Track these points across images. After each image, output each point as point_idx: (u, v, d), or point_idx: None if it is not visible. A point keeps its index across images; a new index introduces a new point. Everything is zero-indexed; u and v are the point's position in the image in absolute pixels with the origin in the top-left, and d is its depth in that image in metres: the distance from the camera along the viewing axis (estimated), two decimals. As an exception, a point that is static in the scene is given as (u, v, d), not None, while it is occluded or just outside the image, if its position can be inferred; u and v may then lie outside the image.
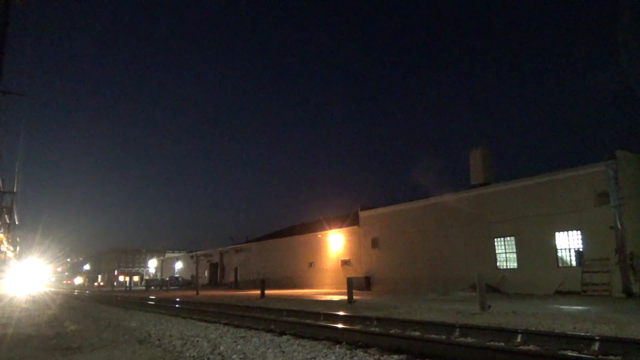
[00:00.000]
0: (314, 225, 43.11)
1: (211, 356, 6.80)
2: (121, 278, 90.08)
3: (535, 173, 23.89)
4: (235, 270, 52.26)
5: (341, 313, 12.56)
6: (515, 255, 23.95)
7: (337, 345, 7.33)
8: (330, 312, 12.60)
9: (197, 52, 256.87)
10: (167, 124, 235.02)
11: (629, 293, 18.60)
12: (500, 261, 24.61)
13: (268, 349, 7.14)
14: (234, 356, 6.70)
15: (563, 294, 20.61)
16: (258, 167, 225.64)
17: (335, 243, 37.17)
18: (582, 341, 6.85)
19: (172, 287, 50.24)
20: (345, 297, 18.67)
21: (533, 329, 8.53)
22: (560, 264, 21.89)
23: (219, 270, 57.33)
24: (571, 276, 20.92)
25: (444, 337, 8.07)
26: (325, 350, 6.88)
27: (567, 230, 21.75)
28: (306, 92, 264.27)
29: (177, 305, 19.15)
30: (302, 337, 8.26)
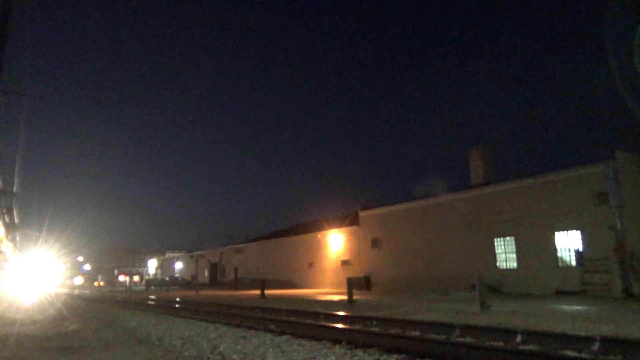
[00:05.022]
0: (314, 225, 43.09)
1: (211, 356, 6.80)
2: (121, 278, 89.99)
3: (535, 173, 23.91)
4: (235, 270, 52.24)
5: (341, 313, 12.56)
6: (515, 255, 23.95)
7: (337, 345, 7.33)
8: (330, 312, 12.60)
9: (197, 51, 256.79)
10: (167, 124, 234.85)
11: (629, 293, 18.59)
12: (500, 261, 24.61)
13: (268, 349, 7.14)
14: (234, 356, 6.71)
15: (563, 293, 20.60)
16: (258, 167, 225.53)
17: (335, 243, 37.16)
18: (582, 341, 6.85)
19: (172, 287, 50.25)
20: (345, 297, 18.66)
21: (533, 329, 8.52)
22: (560, 264, 21.88)
23: (218, 270, 57.33)
24: (571, 276, 20.91)
25: (443, 337, 8.07)
26: (325, 350, 6.88)
27: (567, 230, 21.74)
28: (306, 92, 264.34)
29: (177, 305, 19.16)
30: (302, 337, 8.25)
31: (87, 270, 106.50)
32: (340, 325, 9.70)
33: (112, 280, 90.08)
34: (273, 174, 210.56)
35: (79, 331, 9.93)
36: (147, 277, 78.70)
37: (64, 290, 49.74)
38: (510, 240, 24.29)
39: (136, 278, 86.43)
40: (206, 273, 59.93)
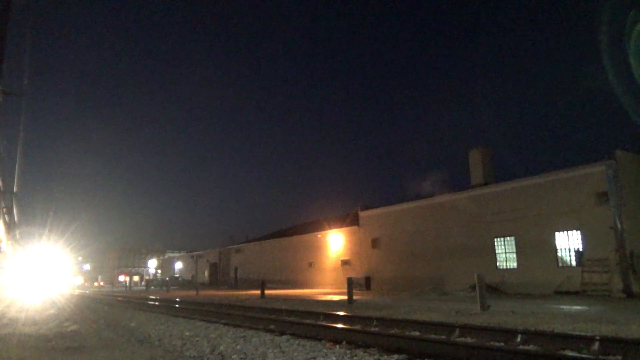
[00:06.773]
0: (314, 225, 43.12)
1: (211, 356, 6.80)
2: (121, 278, 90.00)
3: (535, 173, 23.93)
4: (235, 270, 52.29)
5: (341, 313, 12.56)
6: (515, 255, 23.96)
7: (337, 345, 7.33)
8: (330, 312, 12.61)
9: (197, 51, 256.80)
10: (167, 124, 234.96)
11: (629, 293, 18.60)
12: (500, 261, 24.62)
13: (268, 349, 7.14)
14: (234, 356, 6.71)
15: (563, 294, 20.61)
16: (258, 167, 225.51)
17: (335, 243, 37.17)
18: (582, 341, 6.85)
19: (172, 287, 50.25)
20: (345, 297, 18.67)
21: (533, 329, 8.52)
22: (560, 264, 21.89)
23: (219, 270, 57.35)
24: (571, 276, 20.92)
25: (443, 337, 8.07)
26: (325, 350, 6.88)
27: (567, 230, 21.75)
28: (306, 92, 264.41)
29: (177, 305, 19.15)
30: (302, 337, 8.26)
31: (87, 270, 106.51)
32: (340, 325, 9.70)
33: (112, 280, 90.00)
34: (273, 174, 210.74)
35: (79, 331, 9.93)
36: (147, 277, 78.69)
37: (64, 290, 49.75)
38: (510, 240, 24.30)
39: (136, 278, 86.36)
40: (206, 273, 59.94)
